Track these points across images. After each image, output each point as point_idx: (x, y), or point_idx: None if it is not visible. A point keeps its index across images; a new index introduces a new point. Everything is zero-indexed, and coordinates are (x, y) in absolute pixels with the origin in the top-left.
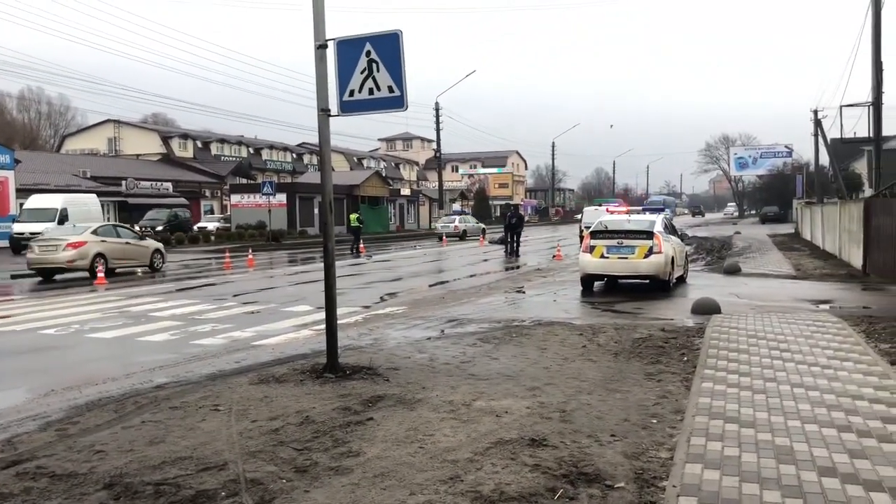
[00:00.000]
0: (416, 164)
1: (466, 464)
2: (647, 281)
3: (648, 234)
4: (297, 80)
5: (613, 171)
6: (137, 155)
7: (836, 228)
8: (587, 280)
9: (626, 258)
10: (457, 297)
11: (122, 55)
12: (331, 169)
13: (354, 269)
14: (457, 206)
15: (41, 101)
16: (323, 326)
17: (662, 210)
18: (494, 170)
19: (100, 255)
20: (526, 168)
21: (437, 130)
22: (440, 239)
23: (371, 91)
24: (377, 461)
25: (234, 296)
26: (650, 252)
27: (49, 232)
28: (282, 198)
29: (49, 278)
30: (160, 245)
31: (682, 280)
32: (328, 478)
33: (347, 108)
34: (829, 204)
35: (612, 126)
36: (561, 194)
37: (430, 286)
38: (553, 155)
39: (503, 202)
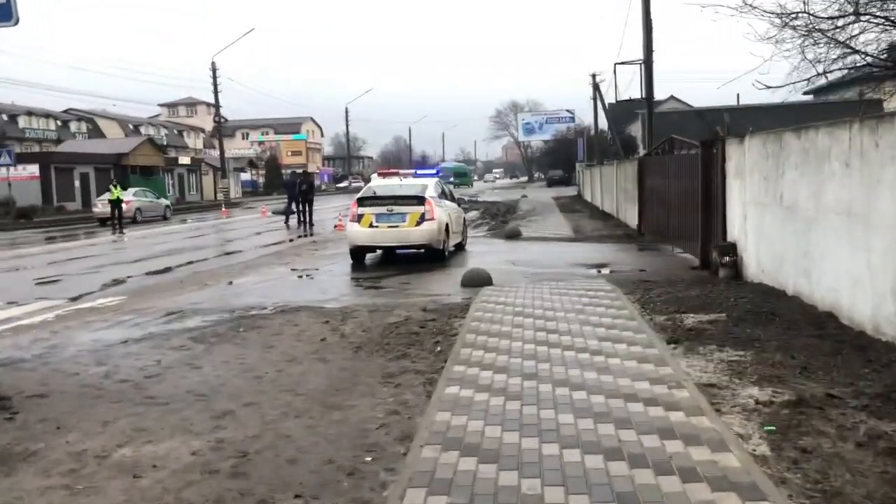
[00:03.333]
0: (203, 130)
1: None
2: (423, 251)
3: (420, 200)
4: (59, 38)
5: (410, 137)
6: None
7: (614, 189)
8: (357, 252)
9: (397, 227)
10: (200, 280)
11: None
12: None
13: (97, 250)
14: (245, 176)
15: None
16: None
17: (437, 174)
18: (288, 136)
19: (139, 208)
20: (322, 135)
21: (216, 92)
22: (221, 209)
23: None
24: None
25: None
26: (422, 219)
27: (106, 194)
28: (34, 169)
29: (105, 224)
30: (168, 202)
31: (460, 248)
32: None
33: None
34: (607, 165)
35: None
36: (360, 162)
37: (175, 268)
38: (347, 121)
39: (297, 171)
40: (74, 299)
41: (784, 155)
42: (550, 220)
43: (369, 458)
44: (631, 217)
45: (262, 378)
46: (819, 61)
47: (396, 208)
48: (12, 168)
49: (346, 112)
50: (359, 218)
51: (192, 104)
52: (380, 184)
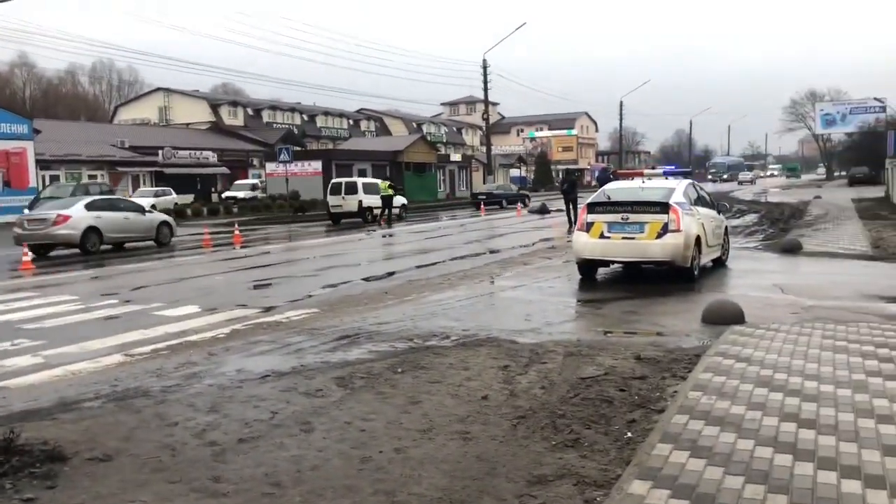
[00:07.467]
0: (480, 128)
1: None
2: (665, 268)
3: (663, 207)
4: (358, 47)
5: (690, 130)
6: (187, 124)
7: None
8: (585, 267)
9: (633, 238)
10: (403, 291)
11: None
12: None
13: (338, 248)
14: (515, 172)
15: (111, 72)
16: (169, 342)
17: (688, 174)
18: (562, 132)
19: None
20: (597, 130)
21: (485, 90)
22: (477, 207)
23: None
24: None
25: (135, 289)
26: (665, 230)
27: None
28: (317, 165)
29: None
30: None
31: (719, 262)
32: None
33: None
34: None
35: (647, 81)
36: (636, 157)
37: (397, 273)
38: (621, 115)
39: (566, 167)
40: (267, 310)
41: None
42: (844, 229)
43: None
44: None
45: (368, 463)
46: None
47: (633, 216)
48: (298, 164)
49: (621, 106)
50: (588, 227)
51: (471, 102)
52: (615, 187)
